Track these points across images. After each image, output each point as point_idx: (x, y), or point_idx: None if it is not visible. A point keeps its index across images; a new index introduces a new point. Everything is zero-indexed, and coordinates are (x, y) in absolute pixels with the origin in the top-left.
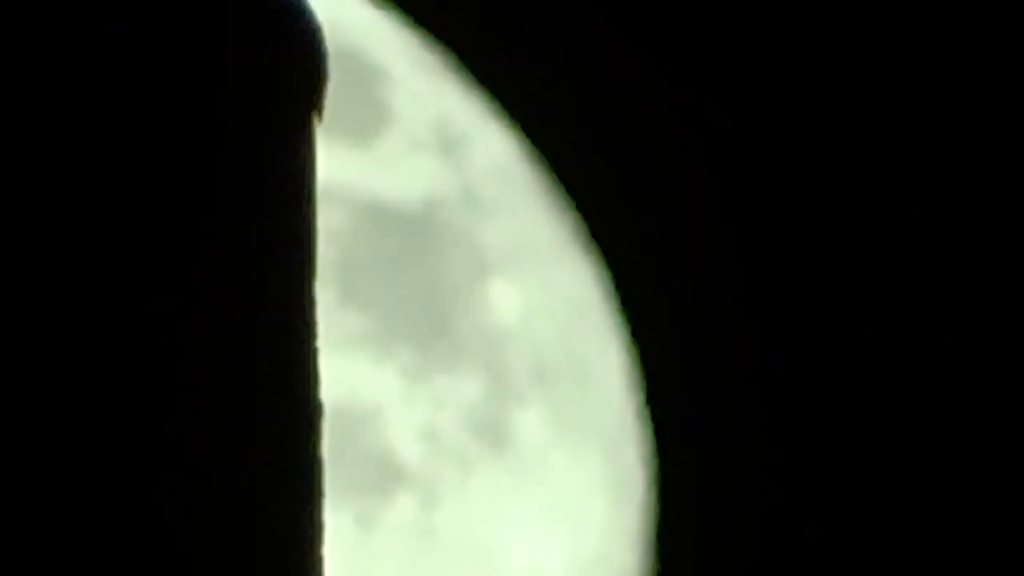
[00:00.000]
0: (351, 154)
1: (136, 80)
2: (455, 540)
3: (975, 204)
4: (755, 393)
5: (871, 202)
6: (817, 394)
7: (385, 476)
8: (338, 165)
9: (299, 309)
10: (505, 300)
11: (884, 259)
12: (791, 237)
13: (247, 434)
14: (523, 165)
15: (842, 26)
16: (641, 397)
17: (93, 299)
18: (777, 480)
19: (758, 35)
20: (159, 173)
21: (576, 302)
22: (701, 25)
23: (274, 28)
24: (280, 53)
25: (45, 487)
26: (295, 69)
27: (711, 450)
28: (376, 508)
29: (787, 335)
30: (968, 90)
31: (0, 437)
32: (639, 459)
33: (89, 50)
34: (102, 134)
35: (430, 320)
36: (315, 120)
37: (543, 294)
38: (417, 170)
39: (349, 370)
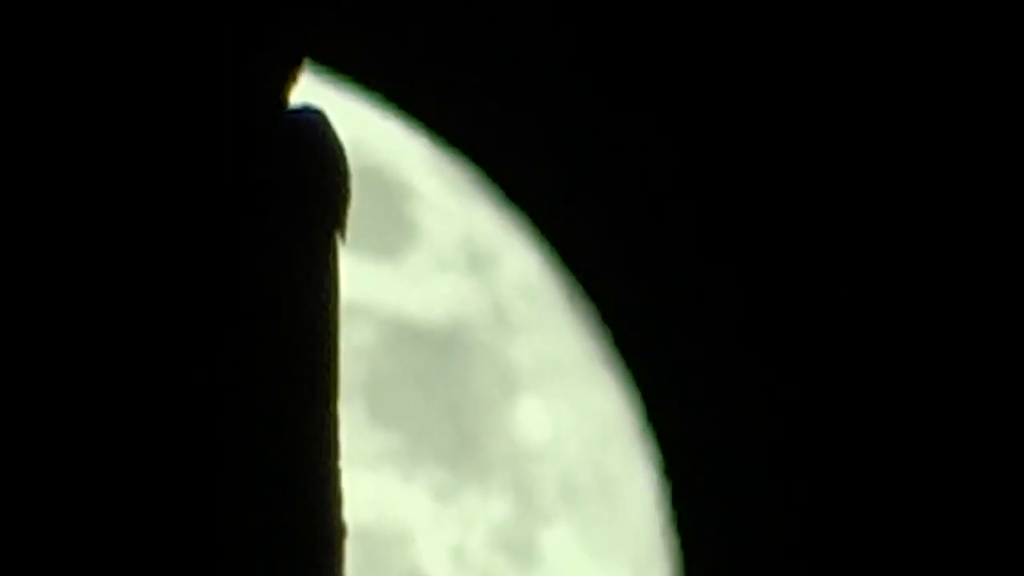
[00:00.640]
0: (379, 271)
1: (156, 196)
2: None
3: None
4: (783, 513)
5: (888, 298)
6: (844, 504)
7: None
8: (365, 282)
9: (322, 429)
10: (533, 418)
11: (901, 352)
12: (819, 354)
13: (268, 559)
14: (551, 283)
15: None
16: (669, 517)
17: (120, 423)
18: None
19: (781, 143)
20: (178, 290)
21: (605, 420)
22: (731, 145)
23: (296, 147)
24: (302, 172)
25: None
26: (317, 188)
27: (738, 570)
28: None
29: (816, 455)
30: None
31: None
32: None
33: (117, 168)
34: (120, 253)
35: (458, 438)
36: (338, 239)
37: (571, 412)
38: (445, 287)
39: (377, 489)
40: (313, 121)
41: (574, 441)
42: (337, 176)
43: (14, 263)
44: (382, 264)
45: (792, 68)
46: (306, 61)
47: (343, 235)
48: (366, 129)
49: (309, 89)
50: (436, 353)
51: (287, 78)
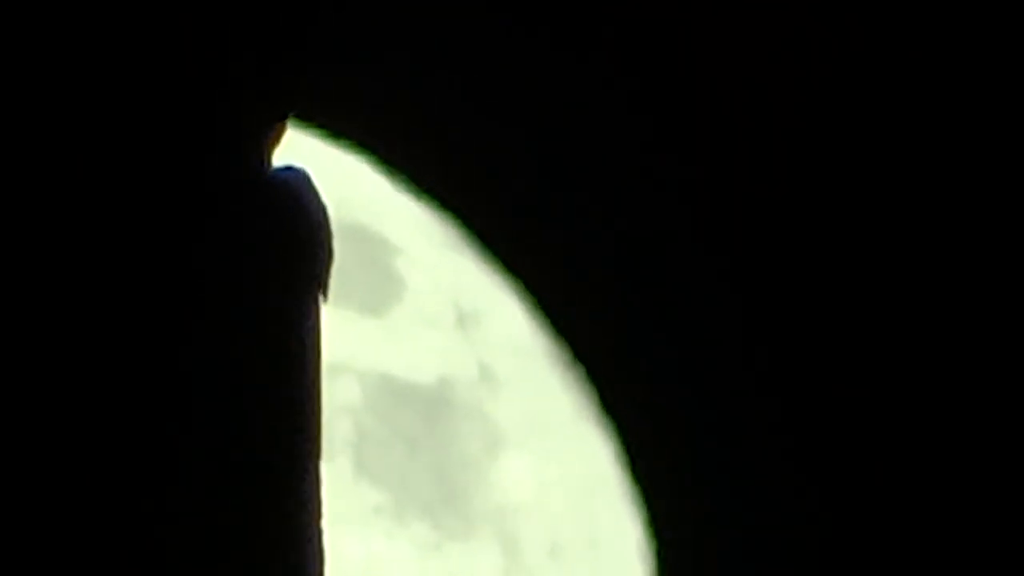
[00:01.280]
0: (364, 328)
1: (138, 256)
2: None
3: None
4: (772, 568)
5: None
6: (834, 550)
7: None
8: (351, 339)
9: (304, 487)
10: (519, 474)
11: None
12: (810, 408)
13: None
14: (537, 340)
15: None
16: (656, 573)
17: (102, 482)
18: None
19: (774, 182)
20: (160, 349)
21: (590, 477)
22: (722, 198)
23: (279, 207)
24: (284, 232)
25: None
26: (299, 248)
27: None
28: None
29: (805, 508)
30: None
31: None
32: None
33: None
34: (99, 306)
35: (444, 494)
36: (320, 298)
37: (557, 468)
38: (431, 344)
39: (363, 545)
40: (296, 180)
41: (560, 497)
42: (319, 236)
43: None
44: (368, 321)
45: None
46: (292, 119)
47: (325, 294)
48: (353, 186)
49: (296, 146)
50: (422, 410)
51: (270, 136)
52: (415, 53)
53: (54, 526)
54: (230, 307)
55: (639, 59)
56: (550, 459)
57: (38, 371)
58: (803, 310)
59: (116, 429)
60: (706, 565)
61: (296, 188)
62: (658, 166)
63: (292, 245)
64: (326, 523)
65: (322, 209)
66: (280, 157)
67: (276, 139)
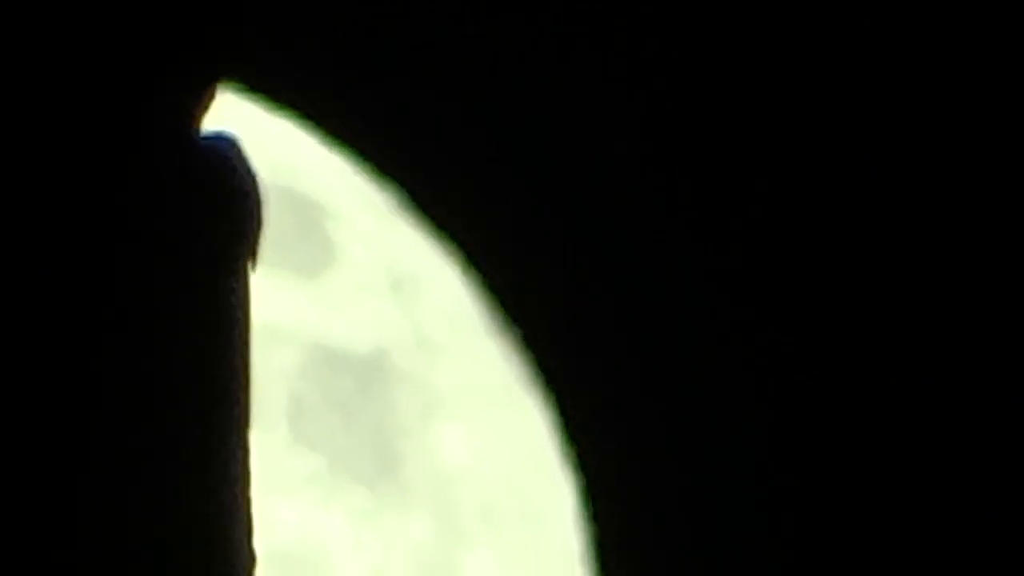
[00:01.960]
0: (300, 294)
1: (62, 226)
2: None
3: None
4: (708, 536)
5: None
6: (778, 534)
7: None
8: (286, 305)
9: (233, 457)
10: (455, 442)
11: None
12: (754, 372)
13: None
14: (474, 307)
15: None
16: (591, 541)
17: (15, 451)
18: None
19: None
20: (86, 320)
21: (527, 445)
22: (662, 168)
23: (208, 176)
24: (213, 201)
25: None
26: (228, 217)
27: None
28: None
29: (741, 480)
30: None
31: None
32: None
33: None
34: (24, 273)
35: (379, 462)
36: (249, 265)
37: (494, 436)
38: (367, 311)
39: (298, 512)
40: (226, 148)
41: (496, 465)
42: (248, 204)
43: None
44: (303, 287)
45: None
46: (226, 83)
47: (254, 263)
48: (288, 151)
49: (231, 110)
50: (357, 377)
51: (200, 103)
52: (351, 14)
53: None
54: (155, 274)
55: (592, 34)
56: (486, 427)
57: None
58: (746, 276)
59: (32, 395)
60: (642, 534)
61: (225, 155)
62: (601, 133)
63: (220, 213)
64: (258, 492)
65: (252, 177)
66: (212, 123)
67: (206, 105)
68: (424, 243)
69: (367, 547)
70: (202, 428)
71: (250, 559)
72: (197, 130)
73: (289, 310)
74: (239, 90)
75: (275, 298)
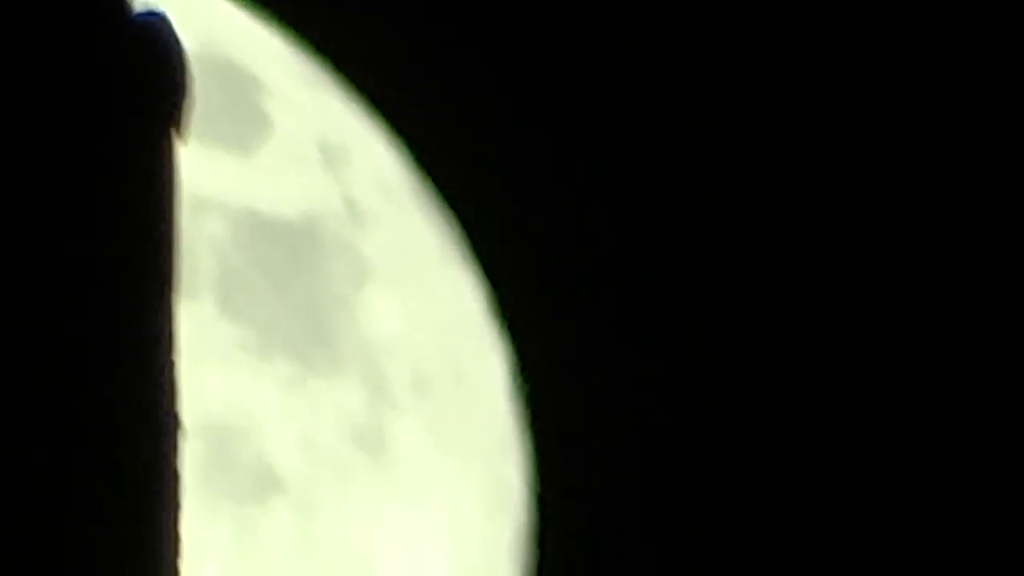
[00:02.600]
0: (231, 165)
1: None
2: (334, 549)
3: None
4: (635, 403)
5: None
6: (702, 404)
7: (263, 486)
8: (219, 177)
9: (158, 322)
10: (385, 311)
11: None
12: (673, 245)
13: (98, 446)
14: (404, 177)
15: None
16: (521, 407)
17: None
18: (656, 490)
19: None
20: (12, 189)
21: (456, 313)
22: (581, 36)
23: (137, 50)
24: (141, 75)
25: None
26: (155, 90)
27: (590, 460)
28: (254, 517)
29: (668, 343)
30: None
31: None
32: (518, 469)
33: None
34: None
35: (310, 330)
36: (175, 135)
37: (423, 305)
38: (298, 182)
39: (227, 381)
40: (156, 24)
41: (426, 333)
42: (177, 78)
43: None
44: (235, 159)
45: None
46: None
47: (183, 136)
48: (221, 24)
49: None
50: (288, 247)
51: None
52: None
53: None
54: (84, 147)
55: None
56: (417, 296)
57: None
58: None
59: None
60: (573, 398)
61: (155, 31)
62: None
63: (148, 87)
64: (188, 360)
65: (181, 51)
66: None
67: None
68: (355, 114)
69: (297, 415)
70: (129, 295)
71: (175, 424)
72: (128, 7)
73: (221, 181)
74: None
75: (207, 170)
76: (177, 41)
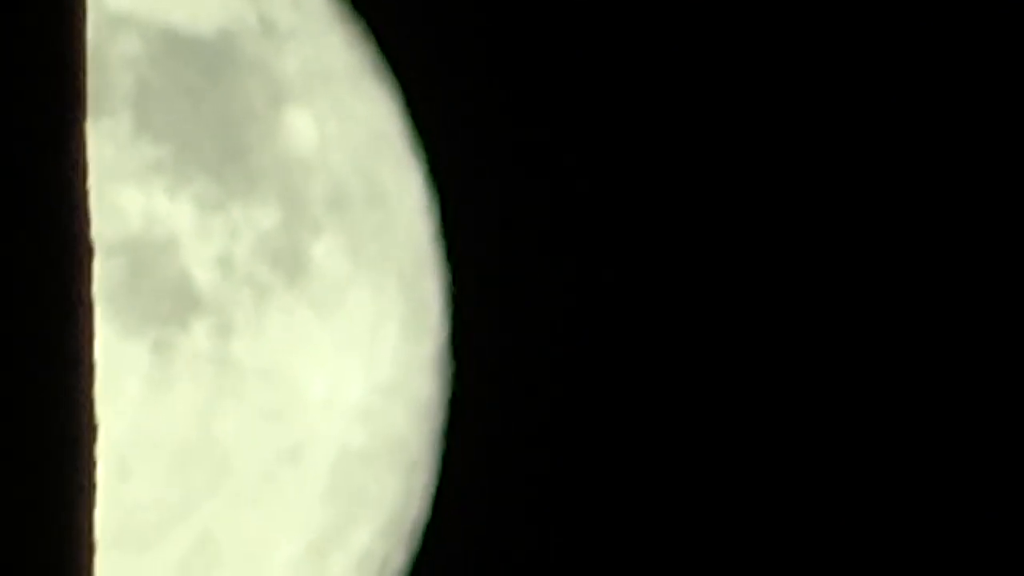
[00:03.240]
0: None
1: None
2: (252, 368)
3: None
4: (547, 223)
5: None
6: (605, 218)
7: (181, 305)
8: None
9: (68, 146)
10: (301, 128)
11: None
12: (583, 71)
13: (10, 275)
14: None
15: None
16: (437, 226)
17: None
18: (569, 306)
19: None
20: None
21: (373, 131)
22: None
23: None
24: None
25: None
26: None
27: (505, 277)
28: (173, 337)
29: (582, 168)
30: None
31: None
32: (435, 287)
33: None
34: None
35: (226, 149)
36: None
37: (340, 123)
38: None
39: (144, 200)
40: None
41: (343, 151)
42: None
43: None
44: None
45: None
46: None
47: None
48: None
49: None
50: (204, 65)
51: None
52: None
53: None
54: None
55: None
56: (333, 113)
57: None
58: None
59: None
60: (488, 219)
61: None
62: None
63: None
64: (104, 180)
65: None
66: None
67: None
68: None
69: (214, 235)
70: (40, 118)
71: (88, 247)
72: None
73: None
74: None
75: None
76: None
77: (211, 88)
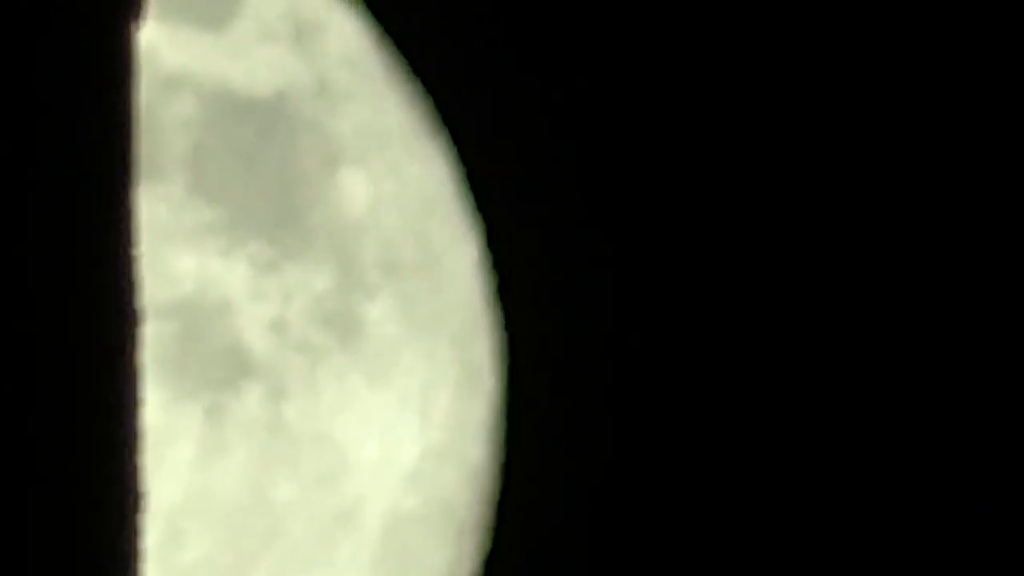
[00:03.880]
0: (202, 42)
1: None
2: (305, 432)
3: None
4: (606, 285)
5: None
6: (673, 289)
7: (234, 369)
8: (188, 53)
9: (117, 215)
10: (356, 190)
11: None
12: (644, 131)
13: (57, 344)
14: (375, 54)
15: None
16: (491, 289)
17: None
18: (626, 374)
19: None
20: None
21: (427, 192)
22: None
23: None
24: None
25: None
26: None
27: (560, 343)
28: (226, 401)
29: (642, 228)
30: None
31: None
32: (488, 351)
33: None
34: None
35: (280, 211)
36: (134, 24)
37: (394, 184)
38: (268, 58)
39: (197, 263)
40: None
41: (396, 214)
42: None
43: None
44: (206, 35)
45: None
46: None
47: (139, 20)
48: None
49: None
50: (259, 125)
51: None
52: None
53: None
54: (43, 39)
55: None
56: (387, 175)
57: None
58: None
59: None
60: (543, 282)
61: None
62: None
63: None
64: (158, 242)
65: None
66: None
67: None
68: None
69: (268, 297)
70: (89, 179)
71: (135, 312)
72: None
73: (192, 59)
74: None
75: (178, 47)
76: None
77: (266, 149)
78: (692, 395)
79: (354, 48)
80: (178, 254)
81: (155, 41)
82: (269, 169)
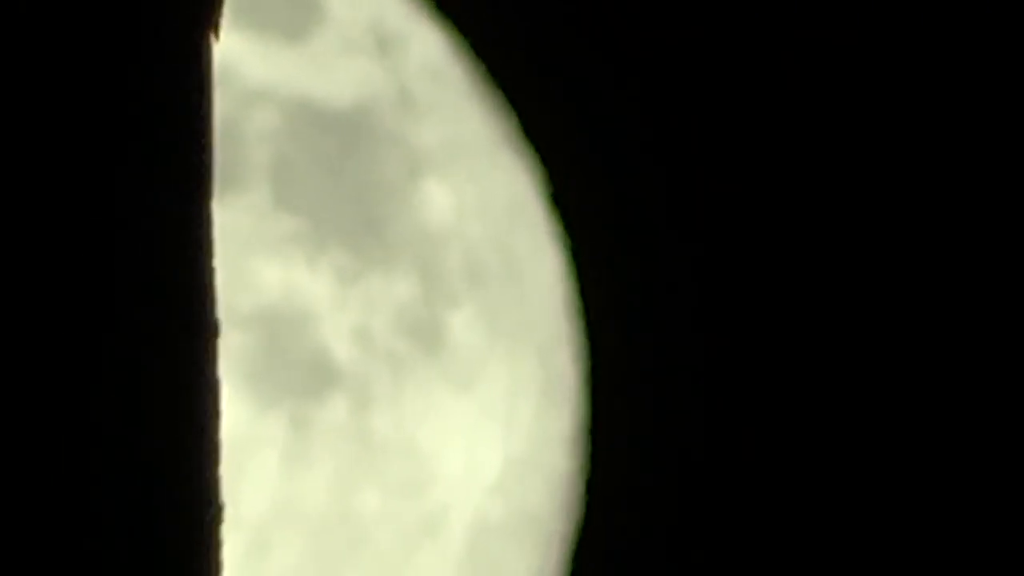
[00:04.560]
0: (285, 55)
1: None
2: (389, 442)
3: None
4: (689, 294)
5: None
6: (749, 294)
7: (319, 378)
8: (272, 66)
9: (194, 229)
10: (439, 200)
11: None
12: (719, 142)
13: (134, 357)
14: (457, 65)
15: None
16: (574, 298)
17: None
18: (710, 380)
19: None
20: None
21: (510, 202)
22: None
23: None
24: None
25: None
26: None
27: (643, 351)
28: (311, 410)
29: (721, 237)
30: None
31: None
32: (571, 360)
33: None
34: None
35: (363, 221)
36: (211, 37)
37: (477, 194)
38: (351, 70)
39: (282, 272)
40: None
41: (479, 223)
42: None
43: None
44: (288, 48)
45: None
46: None
47: (216, 34)
48: None
49: None
50: (342, 137)
51: None
52: None
53: None
54: (118, 51)
55: None
56: (470, 185)
57: None
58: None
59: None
60: (625, 288)
61: None
62: None
63: None
64: (243, 252)
65: None
66: None
67: None
68: (408, 2)
69: (351, 307)
70: (163, 195)
71: (213, 325)
72: None
73: (274, 71)
74: None
75: (260, 59)
76: None
77: (348, 160)
78: (777, 404)
79: (436, 59)
80: (262, 264)
81: (237, 53)
82: (352, 180)
